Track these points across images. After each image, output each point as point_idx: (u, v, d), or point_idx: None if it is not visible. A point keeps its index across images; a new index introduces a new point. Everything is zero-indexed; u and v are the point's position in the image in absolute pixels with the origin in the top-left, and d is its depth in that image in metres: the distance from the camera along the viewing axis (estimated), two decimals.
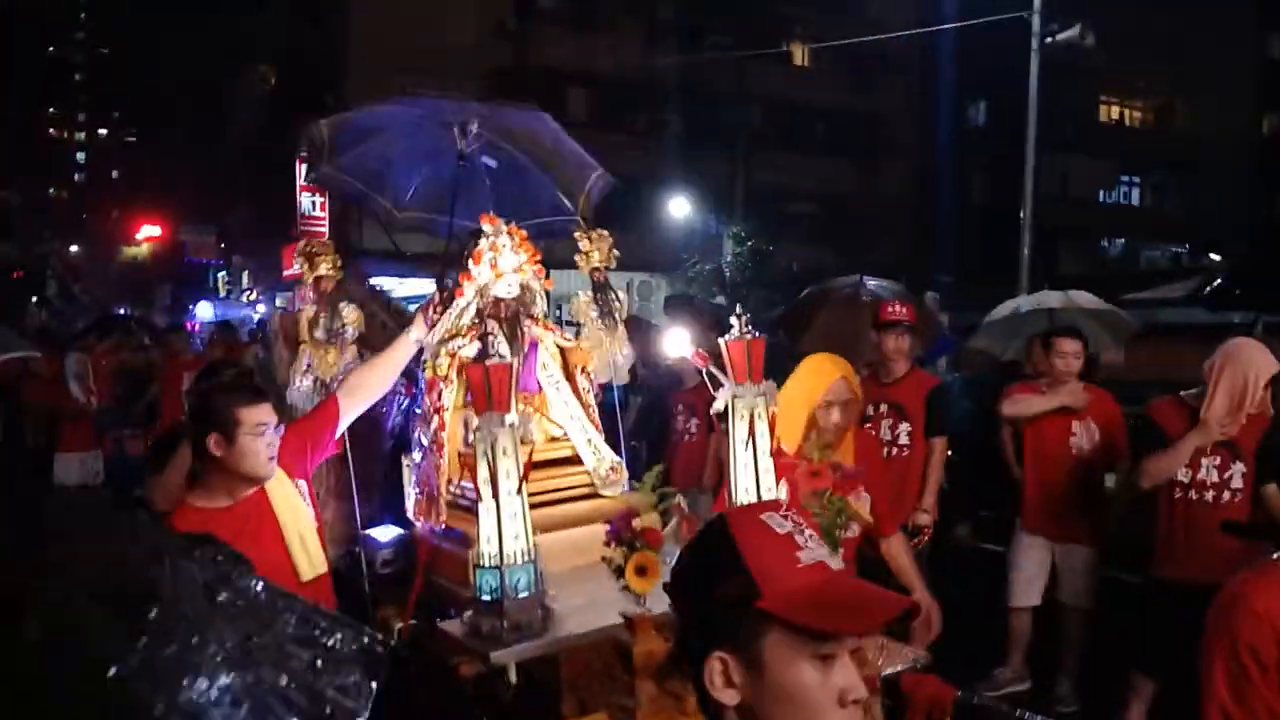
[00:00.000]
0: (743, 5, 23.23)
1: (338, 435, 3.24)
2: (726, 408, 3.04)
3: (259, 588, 0.85)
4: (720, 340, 3.10)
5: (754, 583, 1.18)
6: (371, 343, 3.73)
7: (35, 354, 8.78)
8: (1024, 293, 10.19)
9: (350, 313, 3.65)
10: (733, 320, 3.08)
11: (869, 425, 5.27)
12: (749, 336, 3.04)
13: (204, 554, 0.84)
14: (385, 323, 4.14)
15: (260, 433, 2.71)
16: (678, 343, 3.24)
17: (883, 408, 5.27)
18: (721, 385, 3.07)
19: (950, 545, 5.57)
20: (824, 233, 23.70)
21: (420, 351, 3.43)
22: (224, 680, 0.76)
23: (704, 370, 3.12)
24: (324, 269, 3.55)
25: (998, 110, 26.46)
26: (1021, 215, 10.72)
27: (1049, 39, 10.80)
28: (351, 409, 3.21)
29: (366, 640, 0.88)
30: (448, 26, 20.84)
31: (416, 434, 3.48)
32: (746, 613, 1.18)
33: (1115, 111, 30.86)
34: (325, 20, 23.48)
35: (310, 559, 2.96)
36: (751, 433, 3.02)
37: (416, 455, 3.46)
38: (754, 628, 1.17)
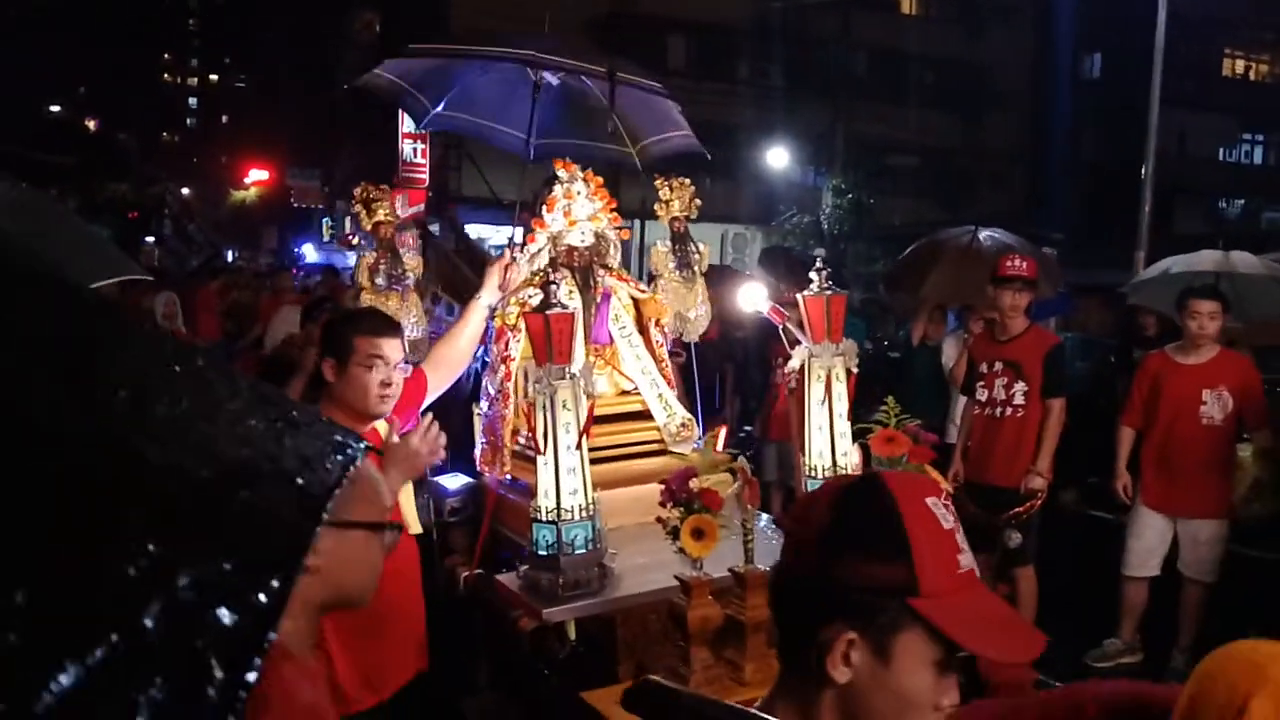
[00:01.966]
0: None
1: (423, 409, 3.18)
2: (803, 367, 2.90)
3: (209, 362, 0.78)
4: (798, 296, 2.95)
5: (914, 577, 1.10)
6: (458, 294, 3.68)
7: (147, 277, 8.99)
8: (1143, 253, 9.68)
9: (411, 259, 3.59)
10: (812, 275, 2.92)
11: (982, 384, 5.05)
12: (829, 292, 2.88)
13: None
14: (468, 278, 4.10)
15: (371, 364, 2.57)
16: (754, 298, 3.09)
17: (998, 366, 5.01)
18: (799, 342, 2.93)
19: (1056, 511, 5.30)
20: (927, 187, 22.96)
21: None
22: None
23: (780, 327, 2.98)
24: (382, 214, 3.48)
25: (1113, 63, 25.16)
26: (1142, 172, 10.10)
27: None
28: (438, 382, 3.12)
29: (339, 435, 0.79)
30: None
31: (485, 383, 3.42)
32: (893, 602, 1.10)
33: (1240, 65, 29.03)
34: None
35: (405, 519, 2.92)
36: (828, 394, 2.87)
37: (484, 404, 3.41)
38: (896, 619, 1.10)
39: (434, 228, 8.72)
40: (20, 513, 0.54)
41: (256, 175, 36.67)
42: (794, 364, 2.89)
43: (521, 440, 3.29)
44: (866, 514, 1.14)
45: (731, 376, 7.18)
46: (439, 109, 4.30)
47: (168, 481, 0.60)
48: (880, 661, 1.10)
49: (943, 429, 5.87)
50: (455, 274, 4.08)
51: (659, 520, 2.31)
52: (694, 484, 2.29)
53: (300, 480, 0.67)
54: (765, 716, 1.19)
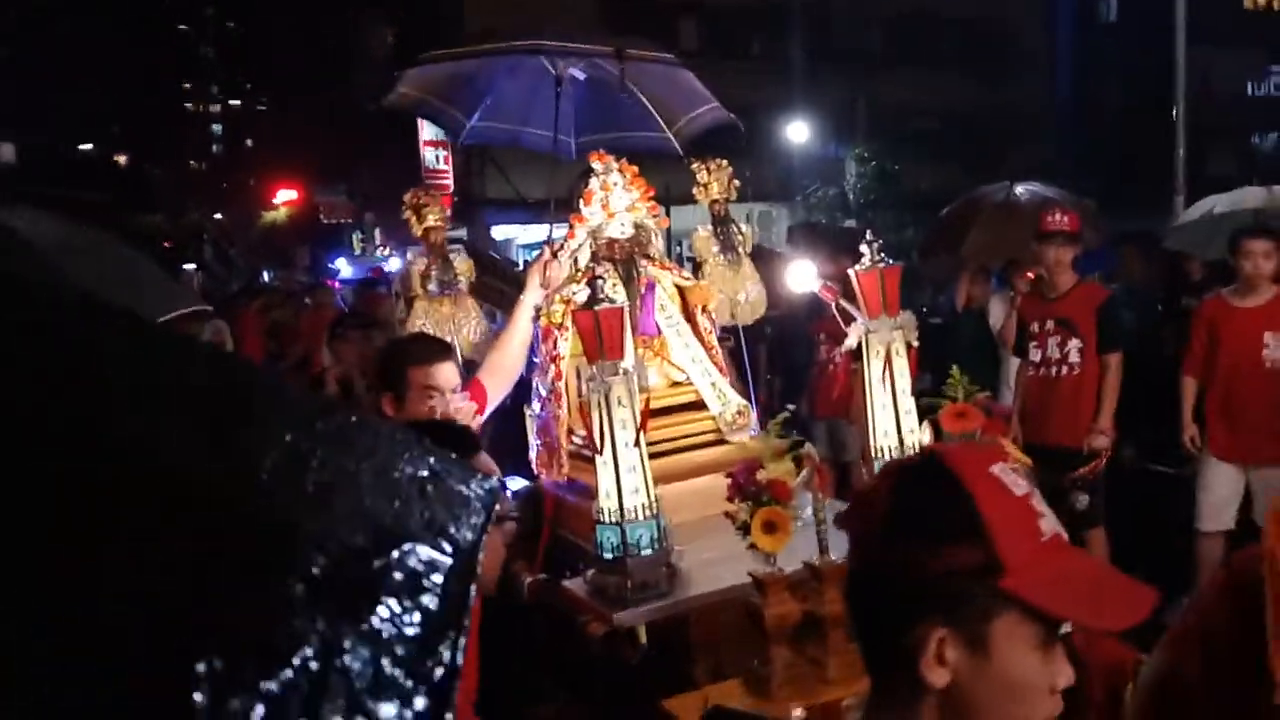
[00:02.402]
0: None
1: (484, 419, 3.14)
2: (860, 344, 2.81)
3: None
4: (850, 271, 2.86)
5: (997, 556, 0.99)
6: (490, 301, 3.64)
7: (207, 307, 9.01)
8: (1181, 197, 9.43)
9: (461, 263, 3.55)
10: (863, 248, 2.83)
11: (1035, 343, 4.93)
12: (882, 265, 2.79)
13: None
14: (503, 290, 4.06)
15: (429, 395, 2.55)
16: (803, 276, 3.01)
17: (1049, 324, 4.90)
18: (854, 319, 2.84)
19: (1117, 469, 5.17)
20: (951, 150, 22.58)
21: None
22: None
23: (835, 304, 2.89)
24: (432, 219, 3.44)
25: (1130, 3, 24.54)
26: (1173, 114, 9.85)
27: None
28: (496, 390, 3.09)
29: (476, 481, 0.73)
30: None
31: (535, 384, 3.37)
32: (980, 587, 1.00)
33: None
34: None
35: None
36: (889, 370, 2.78)
37: (536, 406, 3.36)
38: (986, 605, 1.00)
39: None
40: (172, 592, 0.49)
41: (285, 195, 36.97)
42: (850, 341, 2.81)
43: (577, 440, 3.24)
44: (930, 496, 1.05)
45: (764, 358, 7.10)
46: (474, 121, 4.27)
47: (325, 551, 0.55)
48: (979, 655, 1.00)
49: (996, 393, 5.76)
50: (481, 284, 4.05)
51: (727, 515, 2.24)
52: (760, 475, 2.22)
53: (450, 536, 0.62)
54: None
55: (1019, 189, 6.98)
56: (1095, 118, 23.93)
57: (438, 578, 0.59)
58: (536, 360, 3.41)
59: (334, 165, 34.11)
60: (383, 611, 0.54)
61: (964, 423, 2.46)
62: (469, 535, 0.64)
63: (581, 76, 4.03)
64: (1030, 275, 5.56)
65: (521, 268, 4.16)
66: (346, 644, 0.51)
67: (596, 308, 2.53)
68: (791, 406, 7.13)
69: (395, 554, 0.58)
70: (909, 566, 1.03)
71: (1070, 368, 4.84)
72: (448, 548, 0.61)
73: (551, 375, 3.29)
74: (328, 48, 34.54)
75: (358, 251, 33.48)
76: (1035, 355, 4.97)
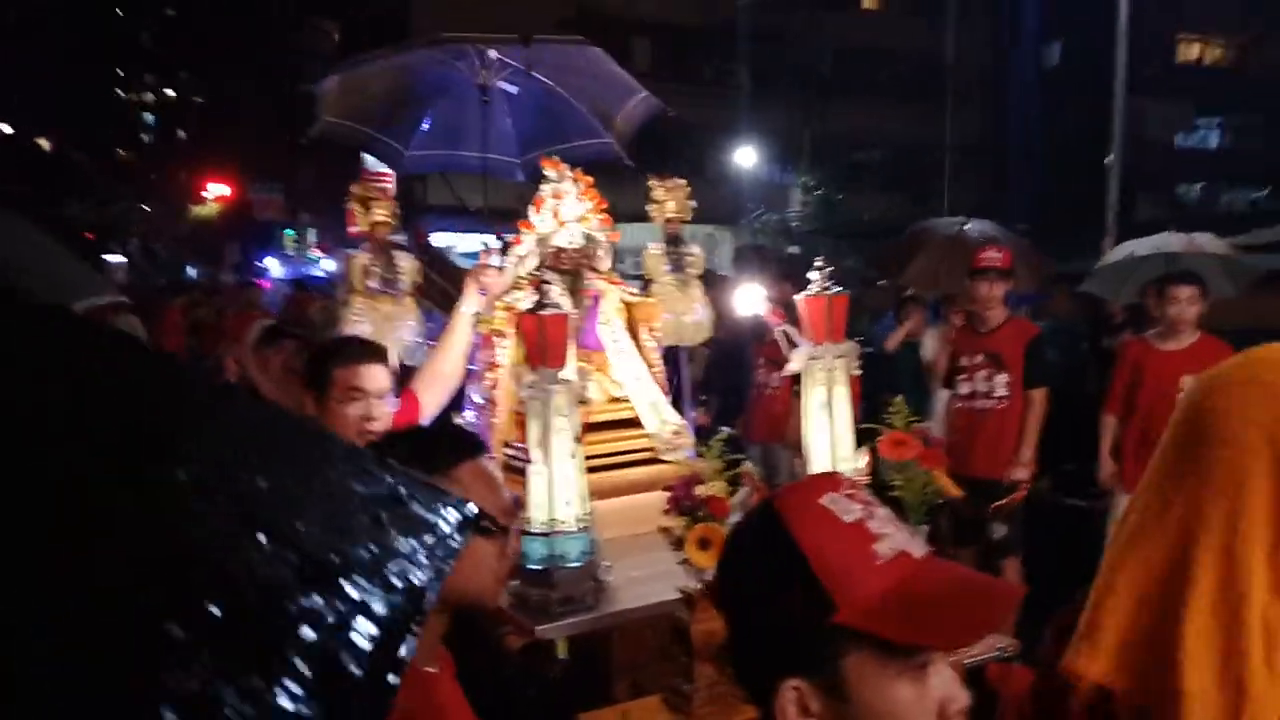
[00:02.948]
0: None
1: None
2: (801, 371, 2.81)
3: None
4: (796, 297, 2.87)
5: (825, 592, 0.93)
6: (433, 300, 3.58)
7: (123, 299, 8.67)
8: (1111, 239, 9.70)
9: (405, 261, 3.47)
10: (812, 274, 2.84)
11: (964, 376, 5.00)
12: (830, 292, 2.80)
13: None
14: (447, 290, 3.99)
15: (352, 397, 2.43)
16: (751, 300, 3.00)
17: (979, 357, 4.98)
18: (796, 345, 2.84)
19: (1033, 501, 5.27)
20: (895, 181, 23.04)
21: None
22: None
23: (779, 329, 2.89)
24: (380, 214, 3.36)
25: (1072, 50, 25.31)
26: (1107, 160, 10.16)
27: None
28: (431, 401, 2.97)
29: (445, 508, 0.64)
30: None
31: (469, 391, 3.31)
32: (819, 630, 0.94)
33: (1194, 50, 29.38)
34: None
35: None
36: (830, 398, 2.79)
37: (469, 414, 3.30)
38: (831, 647, 0.94)
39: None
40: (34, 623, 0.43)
41: (216, 190, 36.21)
42: (793, 366, 2.80)
43: (508, 451, 3.18)
44: (759, 547, 1.00)
45: (702, 378, 7.10)
46: (412, 150, 4.21)
47: (229, 589, 0.48)
48: (839, 699, 0.94)
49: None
50: (429, 285, 3.97)
51: (662, 530, 2.21)
52: (699, 491, 2.19)
53: (400, 574, 0.55)
54: None
55: (971, 226, 7.13)
56: (1034, 157, 24.60)
57: (369, 629, 0.52)
58: (474, 368, 3.35)
59: (270, 163, 33.50)
60: (286, 668, 0.48)
61: (902, 450, 2.47)
62: (423, 575, 0.57)
63: (513, 90, 3.97)
64: (964, 311, 5.66)
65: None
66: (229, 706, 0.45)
67: (542, 313, 2.49)
68: (725, 429, 7.15)
69: (321, 596, 0.51)
70: (751, 621, 1.01)
71: (997, 401, 4.93)
72: (396, 586, 0.55)
73: (488, 384, 3.24)
74: (269, 42, 33.99)
75: (291, 252, 32.88)
76: (964, 388, 5.05)
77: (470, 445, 1.57)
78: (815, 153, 21.03)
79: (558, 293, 2.72)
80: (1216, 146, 29.60)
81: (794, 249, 16.15)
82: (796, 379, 2.87)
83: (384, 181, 20.11)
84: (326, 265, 25.52)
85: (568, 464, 2.49)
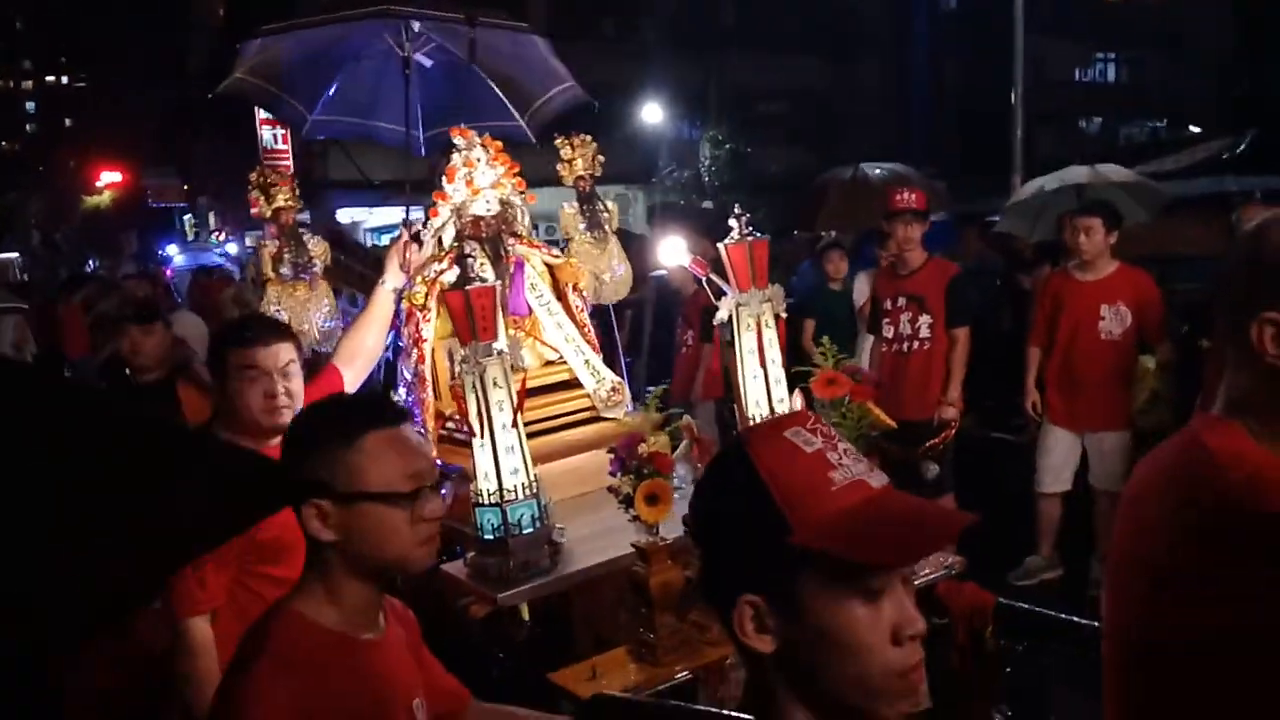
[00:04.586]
0: None
1: None
2: (730, 317, 2.85)
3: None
4: (719, 245, 2.89)
5: (782, 515, 0.99)
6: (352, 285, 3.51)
7: (22, 305, 8.29)
8: (1019, 177, 9.93)
9: (316, 245, 3.41)
10: (732, 222, 2.87)
11: (888, 320, 5.08)
12: (750, 238, 2.83)
13: None
14: (353, 268, 3.92)
15: (249, 377, 2.40)
16: (674, 251, 3.02)
17: (901, 300, 5.06)
18: (724, 293, 2.88)
19: (962, 438, 5.43)
20: (802, 133, 23.19)
21: None
22: None
23: (703, 278, 2.92)
24: (282, 200, 3.28)
25: None
26: (1012, 99, 10.36)
27: None
28: (354, 376, 2.93)
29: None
30: None
31: (400, 368, 3.28)
32: (776, 550, 0.99)
33: None
34: None
35: None
36: (760, 342, 2.83)
37: (402, 391, 3.27)
38: (787, 567, 0.99)
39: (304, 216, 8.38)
40: None
41: (109, 178, 34.85)
42: (722, 314, 2.84)
43: (450, 425, 3.17)
44: (724, 476, 1.08)
45: (627, 338, 7.11)
46: (317, 114, 4.09)
47: None
48: (793, 616, 1.00)
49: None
50: (346, 272, 3.91)
51: (610, 490, 2.23)
52: (642, 448, 2.22)
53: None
54: (717, 711, 1.11)
55: (867, 167, 7.26)
56: (937, 102, 24.93)
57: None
58: (401, 344, 3.32)
59: (164, 145, 32.34)
60: None
61: (834, 389, 2.53)
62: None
63: (428, 63, 3.89)
64: (886, 256, 5.73)
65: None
66: None
67: (468, 287, 2.47)
68: (651, 389, 7.19)
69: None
70: (716, 543, 1.07)
71: (921, 343, 5.01)
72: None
73: (415, 359, 3.21)
74: (153, 19, 32.66)
75: (191, 237, 31.85)
76: (888, 331, 5.12)
77: (377, 414, 1.56)
78: (721, 107, 21.03)
79: (479, 265, 2.69)
80: (1115, 80, 30.40)
81: (707, 204, 16.21)
82: (725, 328, 2.91)
83: (281, 159, 19.44)
84: (230, 249, 24.82)
85: (510, 434, 2.49)
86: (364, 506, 1.49)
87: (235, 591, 2.28)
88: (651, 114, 19.98)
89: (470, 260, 2.57)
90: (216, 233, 29.41)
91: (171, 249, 27.98)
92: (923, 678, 1.01)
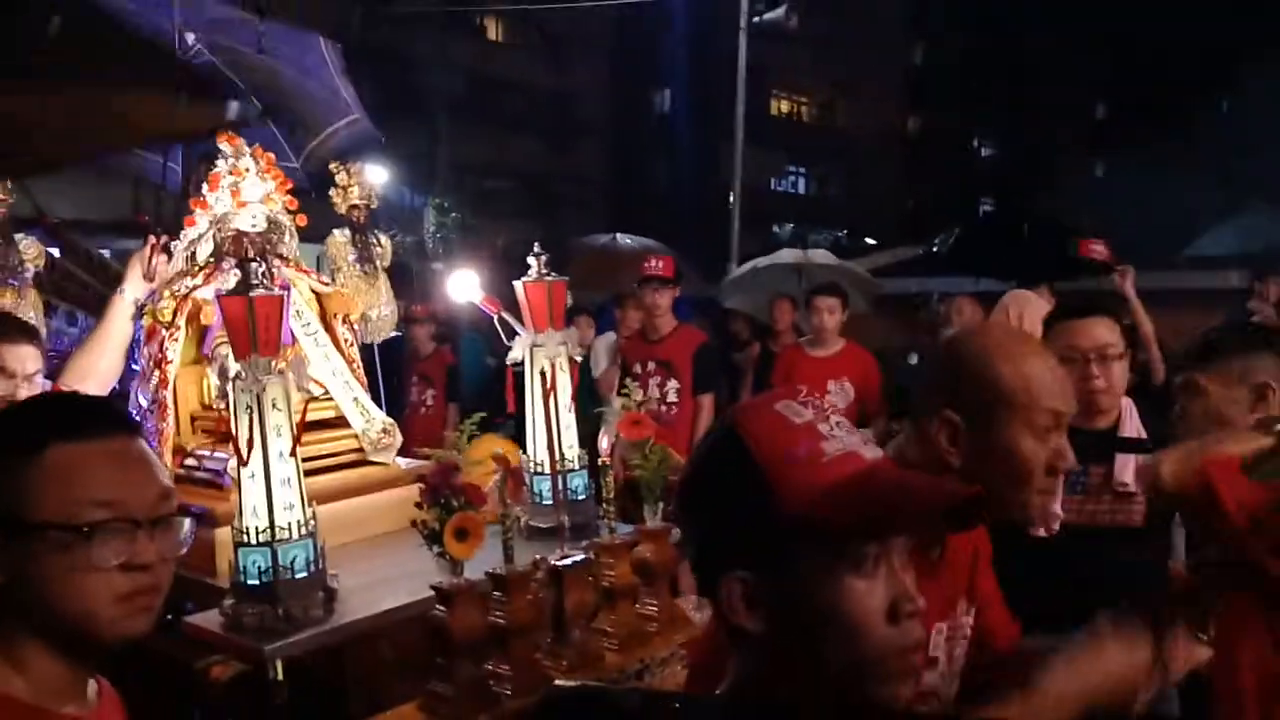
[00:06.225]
0: None
1: None
2: (524, 358, 2.74)
3: None
4: (515, 283, 2.79)
5: (769, 485, 0.95)
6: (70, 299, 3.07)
7: None
8: (734, 264, 10.63)
9: (31, 248, 2.97)
10: (530, 260, 2.78)
11: (637, 384, 5.11)
12: (549, 279, 2.75)
13: None
14: (76, 275, 3.44)
15: None
16: (464, 287, 2.87)
17: (650, 365, 5.14)
18: (516, 333, 2.76)
19: None
20: (526, 209, 23.54)
21: None
22: None
23: (497, 317, 2.79)
24: None
25: (681, 100, 27.58)
26: (730, 198, 11.14)
27: (756, 19, 11.23)
28: None
29: None
30: None
31: (135, 393, 2.86)
32: (765, 523, 0.95)
33: (785, 106, 33.26)
34: None
35: None
36: (552, 385, 2.74)
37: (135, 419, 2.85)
38: (777, 539, 0.94)
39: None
40: None
41: None
42: (515, 354, 2.72)
43: (190, 462, 2.79)
44: (713, 449, 1.04)
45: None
46: None
47: None
48: (785, 592, 0.95)
49: (595, 436, 5.94)
50: (63, 276, 3.45)
51: (414, 524, 2.01)
52: (456, 480, 2.02)
53: None
54: (695, 695, 1.04)
55: (621, 236, 7.52)
56: (650, 193, 26.32)
57: None
58: (136, 367, 2.91)
59: None
60: None
61: (640, 430, 2.49)
62: None
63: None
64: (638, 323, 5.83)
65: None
66: None
67: (251, 294, 2.19)
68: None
69: None
70: (705, 518, 1.03)
71: (669, 407, 5.12)
72: None
73: (156, 383, 2.82)
74: None
75: None
76: (637, 396, 5.20)
77: (74, 419, 1.18)
78: (447, 178, 20.95)
79: (262, 271, 2.42)
80: (804, 192, 33.94)
81: (438, 265, 15.98)
82: (516, 367, 2.80)
83: None
84: None
85: (287, 464, 2.22)
86: (32, 542, 1.11)
87: None
88: (375, 175, 19.52)
89: (253, 266, 2.28)
90: None
91: None
92: (924, 659, 0.96)
